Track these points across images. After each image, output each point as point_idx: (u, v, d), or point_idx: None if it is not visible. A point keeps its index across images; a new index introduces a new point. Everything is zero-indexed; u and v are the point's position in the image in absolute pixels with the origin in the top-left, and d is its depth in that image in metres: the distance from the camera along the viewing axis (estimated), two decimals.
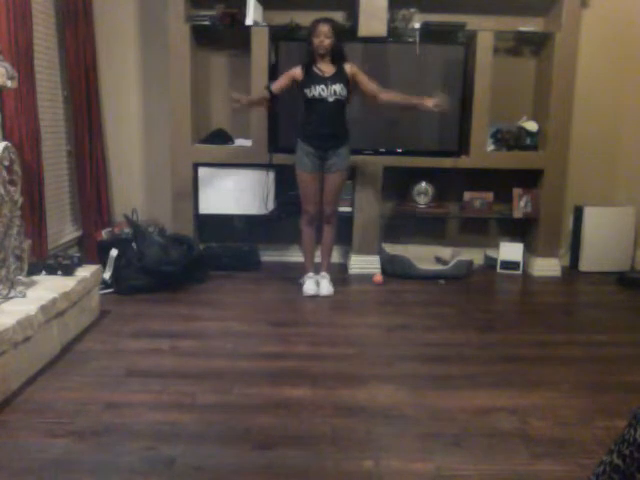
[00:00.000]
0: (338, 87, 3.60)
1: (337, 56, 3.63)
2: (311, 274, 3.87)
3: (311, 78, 3.61)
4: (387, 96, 3.72)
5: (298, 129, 3.75)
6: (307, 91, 3.61)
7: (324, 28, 3.55)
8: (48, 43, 3.96)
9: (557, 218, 4.46)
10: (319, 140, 3.67)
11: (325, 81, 3.60)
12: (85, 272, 3.20)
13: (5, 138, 3.08)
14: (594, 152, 4.63)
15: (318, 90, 3.59)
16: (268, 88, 3.68)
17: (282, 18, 4.23)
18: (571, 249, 4.69)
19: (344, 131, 3.74)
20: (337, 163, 3.72)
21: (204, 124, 4.45)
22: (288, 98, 3.98)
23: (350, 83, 3.65)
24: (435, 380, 2.58)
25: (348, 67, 3.66)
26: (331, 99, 3.60)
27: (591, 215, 4.52)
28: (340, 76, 3.62)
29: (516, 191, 4.53)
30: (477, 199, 4.54)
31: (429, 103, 3.66)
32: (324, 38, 3.55)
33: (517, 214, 4.54)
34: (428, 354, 2.88)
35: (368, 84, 3.69)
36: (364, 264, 4.35)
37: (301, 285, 3.86)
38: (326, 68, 3.63)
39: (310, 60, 3.63)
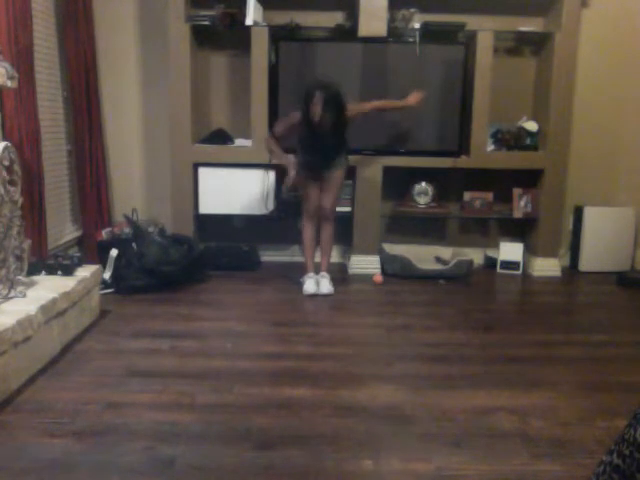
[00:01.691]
0: (337, 137, 3.65)
1: (337, 125, 3.57)
2: (311, 274, 3.88)
3: (309, 139, 3.64)
4: (371, 105, 3.75)
5: (298, 144, 3.77)
6: (304, 137, 3.65)
7: (318, 97, 3.44)
8: (48, 43, 3.95)
9: (557, 218, 4.46)
10: (318, 165, 3.74)
11: (325, 145, 3.65)
12: (85, 272, 3.20)
13: (5, 138, 3.08)
14: (594, 152, 4.63)
15: (317, 147, 3.67)
16: (272, 132, 3.75)
17: (282, 18, 4.23)
18: (571, 249, 4.69)
19: (341, 148, 3.77)
20: (336, 164, 3.77)
21: (204, 124, 4.45)
22: (287, 99, 3.99)
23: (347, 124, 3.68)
24: (435, 380, 2.58)
25: (348, 111, 3.60)
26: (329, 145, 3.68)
27: (591, 215, 4.52)
28: (340, 130, 3.63)
29: (516, 191, 4.53)
30: (477, 199, 4.54)
31: (412, 101, 3.78)
32: (317, 107, 3.45)
33: (517, 214, 4.54)
34: (428, 354, 2.89)
35: (361, 110, 3.72)
36: (364, 264, 4.35)
37: (301, 285, 3.86)
38: (325, 133, 3.59)
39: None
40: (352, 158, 3.98)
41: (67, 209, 4.34)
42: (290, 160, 3.72)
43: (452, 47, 4.30)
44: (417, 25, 4.19)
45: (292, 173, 3.71)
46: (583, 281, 4.41)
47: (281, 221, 4.45)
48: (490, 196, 4.54)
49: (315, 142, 3.67)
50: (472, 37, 4.25)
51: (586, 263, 4.56)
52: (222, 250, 4.42)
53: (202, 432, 2.10)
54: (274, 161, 3.98)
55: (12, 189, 2.75)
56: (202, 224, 4.51)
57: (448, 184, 4.60)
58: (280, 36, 4.20)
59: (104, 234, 4.06)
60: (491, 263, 4.60)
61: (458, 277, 4.24)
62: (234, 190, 4.33)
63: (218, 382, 2.51)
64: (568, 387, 2.53)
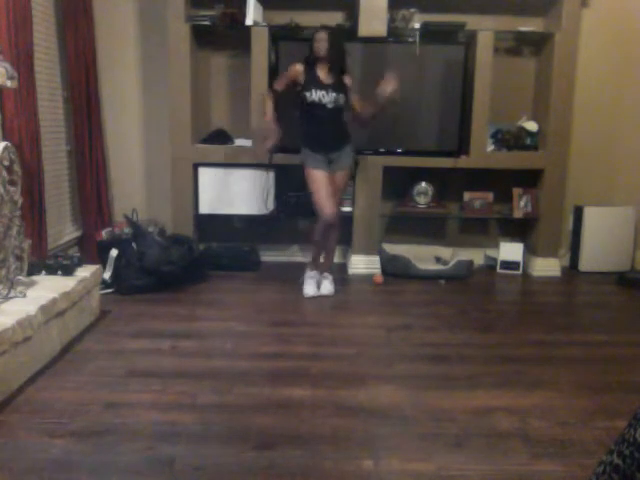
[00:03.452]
0: (338, 95, 3.63)
1: (337, 66, 3.63)
2: (312, 273, 3.87)
3: (312, 82, 3.62)
4: (360, 105, 3.71)
5: (301, 137, 3.74)
6: (307, 94, 3.62)
7: (321, 35, 3.59)
8: (48, 43, 3.95)
9: (557, 218, 4.46)
10: (323, 146, 3.70)
11: (326, 88, 3.61)
12: (85, 272, 3.19)
13: (5, 138, 3.08)
14: (594, 152, 4.63)
15: (319, 95, 3.61)
16: (272, 89, 3.71)
17: (282, 18, 4.23)
18: (571, 249, 4.69)
19: (345, 133, 3.77)
20: (342, 161, 3.75)
21: (204, 124, 4.45)
22: (287, 98, 3.98)
23: (347, 94, 3.67)
24: (435, 380, 2.58)
25: (347, 79, 3.68)
26: (330, 106, 3.63)
27: (591, 215, 4.52)
28: (339, 86, 3.64)
29: (516, 191, 4.53)
30: (477, 199, 4.54)
31: (383, 91, 3.54)
32: (321, 43, 3.57)
33: (517, 214, 4.54)
34: (428, 354, 2.88)
35: (354, 99, 3.71)
36: (364, 264, 4.35)
37: (301, 285, 3.86)
38: (326, 75, 3.64)
39: (311, 63, 3.64)
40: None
41: (67, 209, 4.34)
42: (273, 126, 3.68)
43: (452, 47, 4.30)
44: (417, 25, 4.19)
45: (270, 141, 3.69)
46: (583, 281, 4.41)
47: (281, 221, 4.45)
48: (490, 196, 4.54)
49: (317, 115, 3.64)
50: (472, 37, 4.25)
51: (586, 263, 4.56)
52: (222, 250, 4.42)
53: (202, 432, 2.10)
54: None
55: (12, 189, 2.75)
56: (202, 224, 4.51)
57: (448, 184, 4.60)
58: (280, 36, 4.20)
59: (104, 234, 4.06)
60: (491, 263, 4.60)
61: (458, 277, 4.24)
62: (234, 190, 4.33)
63: (218, 382, 2.51)
64: (568, 387, 2.53)
